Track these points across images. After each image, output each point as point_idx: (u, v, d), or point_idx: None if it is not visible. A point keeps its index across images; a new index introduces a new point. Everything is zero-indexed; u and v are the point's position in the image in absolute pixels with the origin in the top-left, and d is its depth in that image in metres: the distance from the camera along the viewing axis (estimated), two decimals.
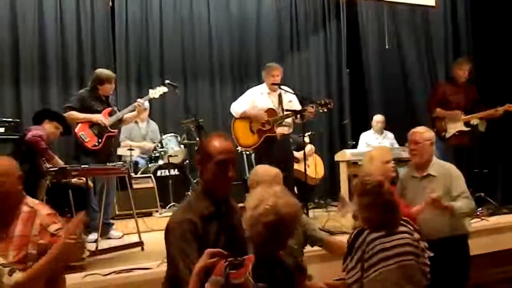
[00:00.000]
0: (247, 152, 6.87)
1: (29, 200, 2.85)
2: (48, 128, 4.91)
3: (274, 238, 1.93)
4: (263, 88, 5.90)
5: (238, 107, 5.84)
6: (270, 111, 5.74)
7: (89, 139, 5.26)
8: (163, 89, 5.64)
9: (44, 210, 2.81)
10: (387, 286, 2.61)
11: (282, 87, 5.81)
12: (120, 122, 5.57)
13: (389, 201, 2.75)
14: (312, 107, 5.56)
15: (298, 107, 5.78)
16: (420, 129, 4.03)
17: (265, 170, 3.41)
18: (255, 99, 5.83)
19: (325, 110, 5.69)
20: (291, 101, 5.87)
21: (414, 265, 2.69)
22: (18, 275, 2.54)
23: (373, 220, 2.72)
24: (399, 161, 5.62)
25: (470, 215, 3.94)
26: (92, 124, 5.30)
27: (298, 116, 5.56)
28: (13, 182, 2.74)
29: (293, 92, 5.86)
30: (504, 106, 6.02)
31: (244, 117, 5.77)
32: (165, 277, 2.43)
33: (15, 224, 2.72)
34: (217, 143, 2.37)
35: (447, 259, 3.50)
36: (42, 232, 2.71)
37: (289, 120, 5.77)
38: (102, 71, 5.50)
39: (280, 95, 5.85)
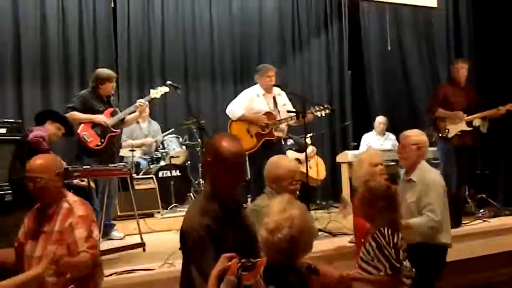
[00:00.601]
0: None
1: (70, 197, 2.97)
2: (50, 129, 4.91)
3: (288, 258, 2.01)
4: (258, 89, 5.87)
5: (235, 109, 5.80)
6: (268, 114, 5.74)
7: (92, 139, 5.27)
8: (164, 89, 5.63)
9: (79, 210, 2.90)
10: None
11: (277, 88, 5.82)
12: (122, 122, 5.57)
13: (399, 202, 3.03)
14: (312, 112, 5.56)
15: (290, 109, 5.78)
16: (409, 132, 3.96)
17: (287, 163, 3.46)
18: (252, 101, 5.81)
19: (324, 114, 5.70)
20: (285, 104, 5.87)
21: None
22: None
23: (395, 221, 2.93)
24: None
25: (435, 228, 3.66)
26: (95, 124, 5.31)
27: (299, 117, 5.55)
28: (51, 178, 2.87)
29: (282, 90, 5.88)
30: (506, 106, 6.01)
31: (243, 120, 5.75)
32: (180, 280, 2.43)
33: (56, 220, 2.83)
34: (229, 145, 2.35)
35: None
36: (67, 232, 2.81)
37: (282, 125, 5.78)
38: (103, 71, 5.50)
39: (274, 98, 5.85)
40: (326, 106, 5.75)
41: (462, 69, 6.35)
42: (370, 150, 4.11)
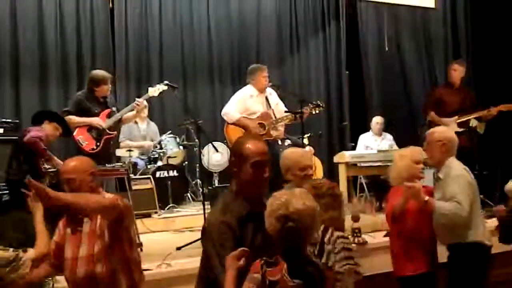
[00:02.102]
0: None
1: (105, 194, 3.03)
2: (47, 129, 4.91)
3: (287, 233, 2.01)
4: (251, 90, 5.86)
5: (231, 113, 5.79)
6: (263, 115, 5.74)
7: (87, 142, 5.28)
8: (162, 87, 5.62)
9: None
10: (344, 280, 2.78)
11: (268, 88, 5.82)
12: (119, 122, 5.57)
13: (343, 200, 3.02)
14: (306, 109, 5.58)
15: (284, 109, 5.81)
16: (435, 129, 3.91)
17: (292, 152, 3.72)
18: (247, 102, 5.81)
19: (317, 111, 5.72)
20: (278, 104, 5.89)
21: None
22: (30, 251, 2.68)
23: (337, 220, 2.89)
24: None
25: (456, 220, 3.50)
26: (90, 128, 5.30)
27: (297, 117, 5.56)
28: (84, 178, 2.91)
29: (276, 90, 5.94)
30: (497, 107, 6.03)
31: (238, 124, 5.75)
32: (197, 277, 2.47)
33: (95, 218, 2.88)
34: (251, 145, 2.41)
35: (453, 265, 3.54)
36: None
37: (279, 124, 5.80)
38: (97, 72, 5.50)
39: (267, 98, 5.85)
40: (317, 103, 5.76)
41: (457, 71, 6.37)
42: (413, 147, 4.02)
